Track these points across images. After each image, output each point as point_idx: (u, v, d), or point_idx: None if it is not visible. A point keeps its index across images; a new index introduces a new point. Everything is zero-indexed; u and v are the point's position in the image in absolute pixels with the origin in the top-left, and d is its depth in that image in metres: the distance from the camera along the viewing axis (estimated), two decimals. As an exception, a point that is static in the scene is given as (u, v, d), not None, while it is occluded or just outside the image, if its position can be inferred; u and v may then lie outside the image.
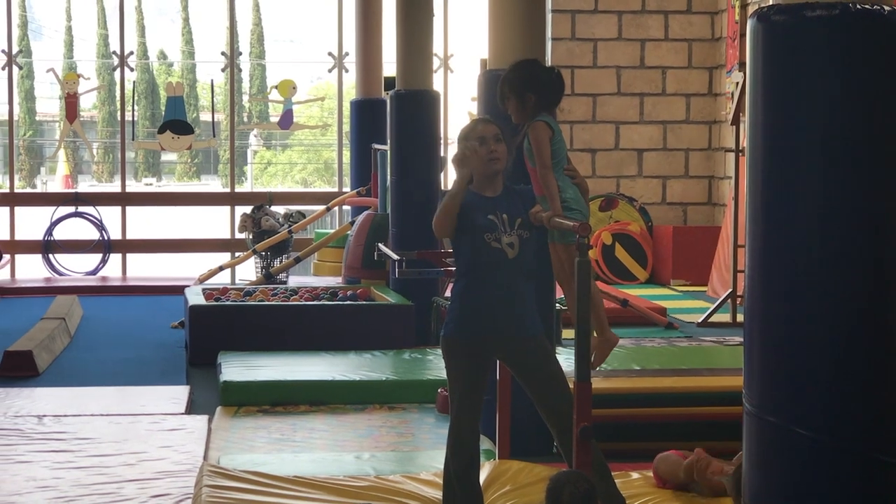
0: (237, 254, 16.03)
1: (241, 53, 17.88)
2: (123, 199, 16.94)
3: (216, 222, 17.81)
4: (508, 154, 5.43)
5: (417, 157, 11.27)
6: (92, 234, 16.60)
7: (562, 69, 15.79)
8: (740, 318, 11.05)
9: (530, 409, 6.84)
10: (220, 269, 14.53)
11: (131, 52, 16.88)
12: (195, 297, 11.27)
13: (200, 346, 10.42)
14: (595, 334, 5.39)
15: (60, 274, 16.37)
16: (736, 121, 12.48)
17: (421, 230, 11.06)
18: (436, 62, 15.75)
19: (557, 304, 9.10)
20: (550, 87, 5.38)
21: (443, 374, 9.00)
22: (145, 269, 17.25)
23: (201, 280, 13.86)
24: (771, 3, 3.95)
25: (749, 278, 4.03)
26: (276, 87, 17.14)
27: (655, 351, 10.10)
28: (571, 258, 5.28)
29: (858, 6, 3.80)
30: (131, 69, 16.89)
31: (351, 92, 16.58)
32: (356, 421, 8.19)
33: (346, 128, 16.89)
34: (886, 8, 3.82)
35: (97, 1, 30.46)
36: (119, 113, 17.25)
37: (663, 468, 6.35)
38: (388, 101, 11.53)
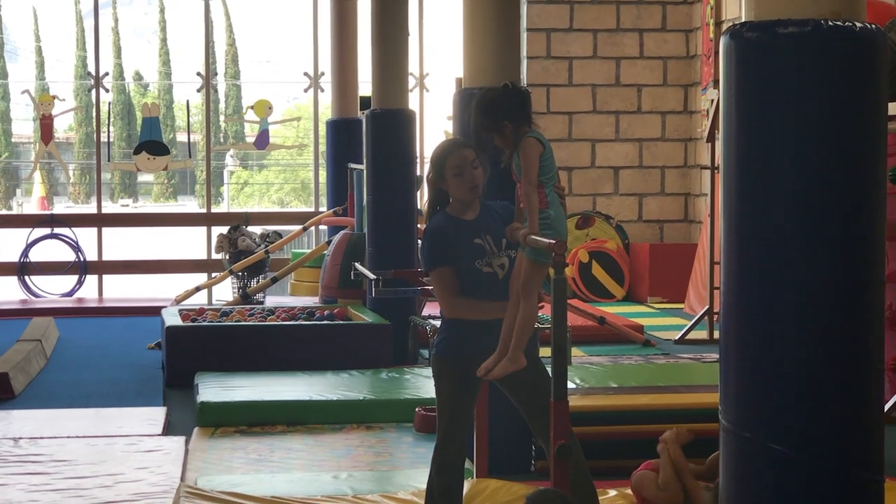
0: (214, 274, 16.00)
1: (216, 74, 17.87)
2: (99, 221, 16.90)
3: (193, 243, 17.79)
4: (485, 173, 5.42)
5: (393, 177, 11.27)
6: (68, 255, 16.56)
7: (537, 87, 15.91)
8: (717, 335, 11.07)
9: (508, 427, 6.85)
10: (197, 289, 14.49)
11: (107, 73, 16.85)
12: (172, 318, 11.24)
13: (177, 366, 10.40)
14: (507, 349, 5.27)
15: (36, 296, 16.31)
16: (711, 138, 12.52)
17: (398, 249, 11.08)
18: (411, 81, 15.79)
19: (536, 323, 9.09)
20: (517, 104, 5.31)
21: (420, 393, 9.02)
22: (122, 290, 17.21)
23: (178, 301, 13.83)
24: (744, 20, 3.97)
25: (724, 295, 4.04)
26: (252, 107, 17.14)
27: (632, 368, 10.11)
28: (534, 275, 5.25)
29: (830, 23, 3.82)
30: (107, 90, 16.86)
31: (327, 112, 16.59)
32: (334, 441, 8.18)
33: (323, 147, 16.90)
34: (858, 24, 3.84)
35: (76, 22, 30.41)
36: (95, 134, 17.23)
37: (641, 483, 6.36)
38: (364, 121, 11.54)
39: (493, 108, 5.26)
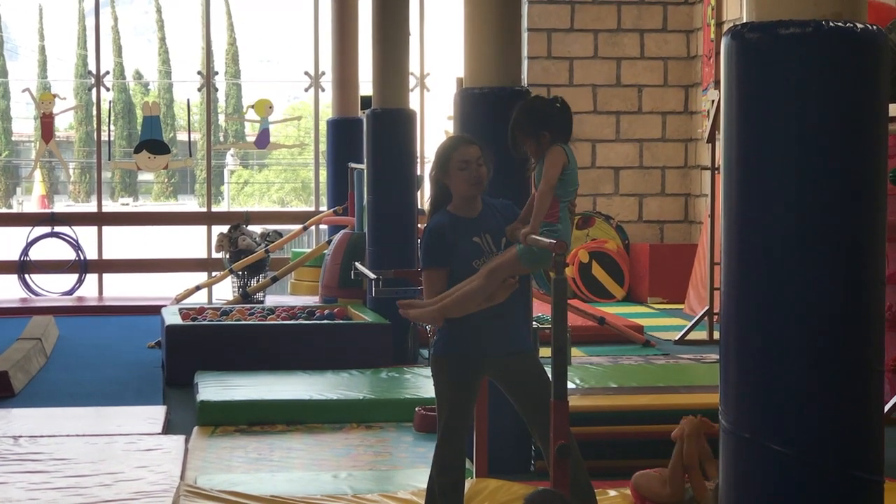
0: (214, 273, 16.00)
1: (216, 73, 17.88)
2: (100, 219, 16.90)
3: (193, 242, 17.79)
4: (489, 173, 5.43)
5: (394, 176, 11.27)
6: (68, 254, 16.55)
7: (538, 88, 15.91)
8: (717, 335, 11.07)
9: (508, 427, 6.85)
10: (197, 288, 14.49)
11: (107, 72, 16.85)
12: (172, 317, 11.24)
13: (177, 365, 10.40)
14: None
15: (36, 294, 16.31)
16: (712, 138, 12.52)
17: (398, 249, 11.07)
18: (412, 81, 15.78)
19: (535, 323, 9.10)
20: (562, 119, 5.37)
21: (420, 393, 9.02)
22: (122, 289, 17.20)
23: (178, 300, 13.82)
24: (745, 20, 3.97)
25: (724, 295, 4.04)
26: (253, 106, 17.14)
27: (632, 369, 10.12)
28: (509, 266, 5.25)
29: (831, 23, 3.82)
30: (107, 89, 16.86)
31: (327, 111, 16.59)
32: (333, 440, 8.18)
33: (323, 147, 16.89)
34: (859, 25, 3.84)
35: (78, 21, 30.42)
36: (95, 133, 17.23)
37: (642, 483, 6.36)
38: (365, 120, 11.54)
39: (539, 114, 5.32)
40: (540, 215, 5.20)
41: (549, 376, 5.39)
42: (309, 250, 15.09)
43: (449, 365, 5.37)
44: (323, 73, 17.00)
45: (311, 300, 14.02)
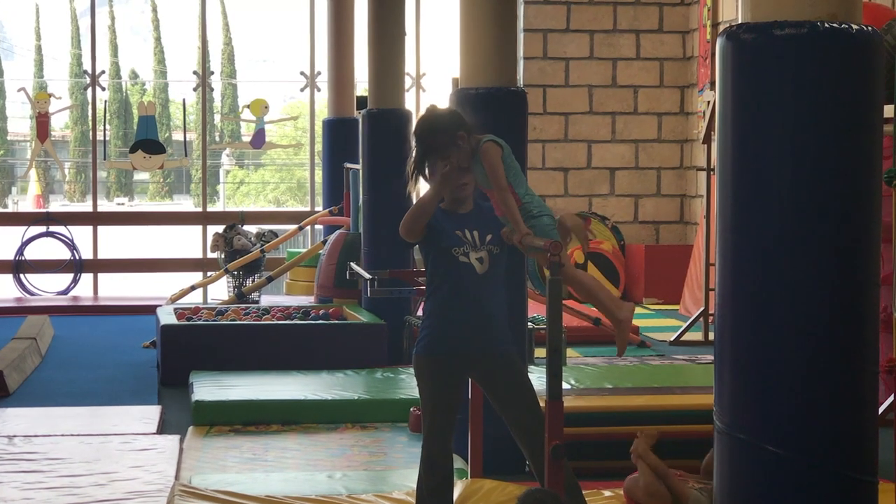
0: (209, 273, 15.99)
1: (212, 73, 17.87)
2: (95, 219, 16.89)
3: (188, 242, 17.78)
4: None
5: (390, 176, 11.24)
6: (63, 253, 16.54)
7: (534, 88, 15.91)
8: (712, 336, 11.08)
9: (503, 427, 6.85)
10: (192, 288, 14.48)
11: (103, 72, 16.85)
12: (167, 317, 11.23)
13: (172, 365, 10.39)
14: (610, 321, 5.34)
15: (31, 294, 16.30)
16: (707, 139, 12.51)
17: (393, 249, 11.06)
18: (408, 81, 15.77)
19: (530, 323, 9.10)
20: (461, 116, 5.44)
21: (415, 393, 8.99)
22: (117, 288, 17.21)
23: (173, 300, 13.81)
24: (741, 21, 3.97)
25: (719, 296, 4.05)
26: (249, 106, 17.13)
27: (628, 369, 10.11)
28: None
29: (826, 24, 3.82)
30: (103, 88, 16.85)
31: (323, 111, 16.59)
32: (328, 440, 8.18)
33: (319, 147, 16.89)
34: (854, 26, 3.84)
35: (71, 20, 30.41)
36: (91, 132, 17.22)
37: (631, 487, 6.37)
38: (361, 120, 11.54)
39: (443, 122, 5.35)
40: (517, 217, 5.24)
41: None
42: (304, 250, 15.09)
43: (429, 364, 5.39)
44: (319, 73, 17.01)
45: (307, 300, 14.01)
